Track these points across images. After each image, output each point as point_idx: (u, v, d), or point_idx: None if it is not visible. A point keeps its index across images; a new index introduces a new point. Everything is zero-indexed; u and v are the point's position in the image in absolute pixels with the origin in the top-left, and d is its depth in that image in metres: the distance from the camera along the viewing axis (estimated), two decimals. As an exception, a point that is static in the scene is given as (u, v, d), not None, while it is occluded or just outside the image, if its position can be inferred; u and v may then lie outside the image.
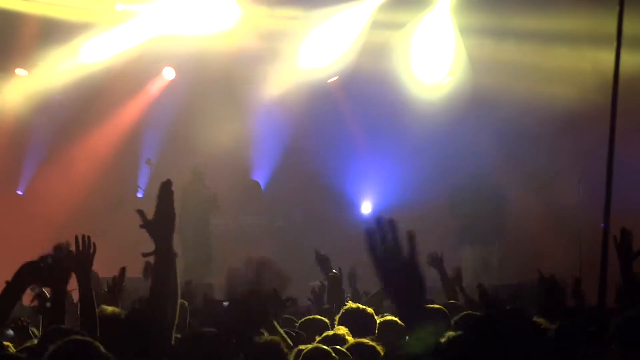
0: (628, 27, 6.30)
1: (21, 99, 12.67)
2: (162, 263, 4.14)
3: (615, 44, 6.34)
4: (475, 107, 13.36)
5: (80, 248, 4.70)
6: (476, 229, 12.63)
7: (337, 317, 5.66)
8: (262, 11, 13.21)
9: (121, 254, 7.94)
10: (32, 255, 4.68)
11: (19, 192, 12.90)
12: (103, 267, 6.03)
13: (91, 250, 4.76)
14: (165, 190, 4.02)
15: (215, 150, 13.02)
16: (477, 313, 4.67)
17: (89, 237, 4.70)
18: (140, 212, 3.98)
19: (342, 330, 5.28)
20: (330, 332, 5.30)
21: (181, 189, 11.66)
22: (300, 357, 4.49)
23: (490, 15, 12.88)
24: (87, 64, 12.84)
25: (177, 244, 11.04)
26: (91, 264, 4.79)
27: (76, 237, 4.76)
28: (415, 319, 2.68)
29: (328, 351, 4.52)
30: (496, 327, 2.91)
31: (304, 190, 13.59)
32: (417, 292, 2.79)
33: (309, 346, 4.74)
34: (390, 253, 2.92)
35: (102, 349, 3.59)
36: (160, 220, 4.00)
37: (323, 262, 7.40)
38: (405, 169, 13.28)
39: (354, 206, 13.86)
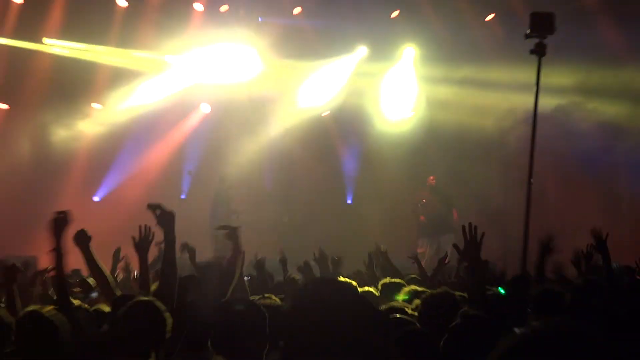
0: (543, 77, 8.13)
1: (96, 126, 15.80)
2: (170, 248, 4.89)
3: (534, 89, 8.23)
4: (430, 136, 16.32)
5: (142, 236, 5.51)
6: (433, 225, 15.50)
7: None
8: (276, 63, 16.19)
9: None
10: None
11: (95, 199, 15.74)
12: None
13: (150, 238, 5.53)
14: (164, 215, 4.81)
15: (237, 164, 15.85)
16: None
17: (149, 227, 5.41)
18: (151, 207, 4.81)
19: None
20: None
21: (213, 191, 15.35)
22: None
23: (440, 67, 16.02)
24: (146, 99, 15.89)
25: (208, 232, 14.28)
26: (148, 248, 5.60)
27: (139, 227, 5.52)
28: None
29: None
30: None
31: (302, 193, 16.47)
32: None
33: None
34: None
35: (162, 307, 4.29)
36: (164, 217, 4.81)
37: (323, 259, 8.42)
38: (377, 177, 16.24)
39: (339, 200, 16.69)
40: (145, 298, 4.47)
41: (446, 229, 15.41)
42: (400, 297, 5.93)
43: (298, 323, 2.54)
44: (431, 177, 15.91)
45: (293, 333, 2.56)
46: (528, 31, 8.30)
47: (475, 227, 5.34)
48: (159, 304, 4.28)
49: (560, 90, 14.89)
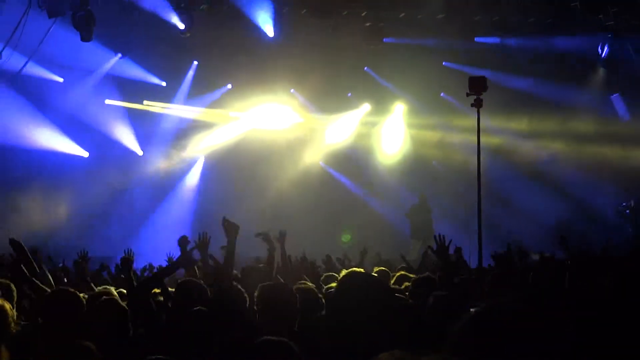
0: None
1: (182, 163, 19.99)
2: (230, 252, 5.51)
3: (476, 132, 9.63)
4: (414, 165, 19.88)
5: (200, 240, 6.10)
6: (420, 229, 17.90)
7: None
8: (307, 116, 20.00)
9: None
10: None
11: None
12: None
13: (206, 240, 6.09)
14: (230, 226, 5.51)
15: (276, 185, 19.31)
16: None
17: (205, 233, 6.08)
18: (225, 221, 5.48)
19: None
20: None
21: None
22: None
23: (421, 117, 19.74)
24: (217, 142, 19.74)
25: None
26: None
27: (199, 234, 6.09)
28: None
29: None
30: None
31: (326, 202, 19.27)
32: None
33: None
34: None
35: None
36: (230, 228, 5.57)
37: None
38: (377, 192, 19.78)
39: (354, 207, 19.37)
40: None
41: (429, 232, 16.69)
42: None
43: (341, 304, 3.09)
44: (421, 194, 18.41)
45: (336, 312, 3.08)
46: (468, 91, 9.49)
47: (443, 237, 6.12)
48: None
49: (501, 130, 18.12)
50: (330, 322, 3.25)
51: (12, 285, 5.38)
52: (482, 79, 9.42)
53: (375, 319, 2.97)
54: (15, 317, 4.05)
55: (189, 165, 20.23)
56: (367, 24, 17.31)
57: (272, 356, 2.96)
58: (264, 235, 7.29)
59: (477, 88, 9.35)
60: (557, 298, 5.26)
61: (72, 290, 4.96)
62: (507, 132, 18.53)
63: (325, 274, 8.04)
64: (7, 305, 3.97)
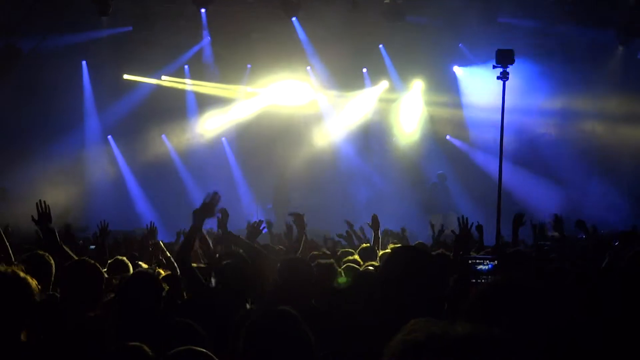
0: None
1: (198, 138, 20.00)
2: (192, 233, 5.56)
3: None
4: (431, 142, 19.97)
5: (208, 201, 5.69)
6: (436, 205, 18.32)
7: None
8: (325, 93, 19.80)
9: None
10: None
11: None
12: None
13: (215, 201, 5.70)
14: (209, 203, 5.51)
15: (293, 161, 19.47)
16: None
17: (215, 192, 5.71)
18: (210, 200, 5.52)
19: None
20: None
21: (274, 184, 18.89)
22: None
23: (438, 95, 19.66)
24: (234, 117, 19.90)
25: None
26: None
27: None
28: None
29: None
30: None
31: (344, 181, 19.47)
32: None
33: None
34: None
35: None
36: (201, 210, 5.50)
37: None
38: (395, 174, 19.62)
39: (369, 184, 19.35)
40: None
41: (449, 208, 17.83)
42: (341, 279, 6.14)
43: (390, 276, 3.19)
44: (440, 174, 18.69)
45: (385, 286, 3.16)
46: (494, 63, 9.56)
47: (467, 219, 6.19)
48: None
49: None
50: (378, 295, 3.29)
51: (48, 257, 5.38)
52: (510, 52, 9.48)
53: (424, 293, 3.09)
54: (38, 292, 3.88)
55: (208, 141, 20.35)
56: (387, 1, 17.28)
57: None
58: (296, 216, 7.47)
59: (504, 61, 9.46)
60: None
61: (93, 261, 4.96)
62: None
63: (341, 249, 8.26)
64: (33, 281, 3.83)
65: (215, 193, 5.59)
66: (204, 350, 3.06)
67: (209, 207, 5.52)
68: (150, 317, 4.21)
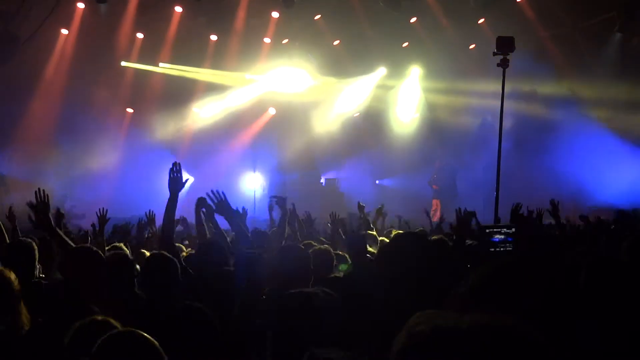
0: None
1: (195, 124, 19.88)
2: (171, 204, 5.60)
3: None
4: (430, 130, 19.80)
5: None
6: (442, 191, 18.52)
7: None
8: (321, 79, 19.79)
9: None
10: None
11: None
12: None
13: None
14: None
15: (290, 148, 19.57)
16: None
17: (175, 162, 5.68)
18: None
19: None
20: None
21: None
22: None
23: (437, 82, 19.29)
24: (233, 103, 19.66)
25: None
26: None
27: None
28: None
29: None
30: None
31: (340, 170, 19.82)
32: None
33: None
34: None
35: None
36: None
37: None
38: (395, 161, 19.64)
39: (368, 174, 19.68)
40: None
41: (452, 194, 18.01)
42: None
43: (389, 260, 3.11)
44: (437, 162, 18.91)
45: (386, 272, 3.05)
46: (495, 50, 9.27)
47: (464, 210, 6.29)
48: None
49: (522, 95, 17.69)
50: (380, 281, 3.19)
51: (31, 243, 5.45)
52: (510, 39, 9.24)
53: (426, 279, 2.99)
54: (19, 285, 4.04)
55: (206, 126, 20.15)
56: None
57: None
58: (279, 199, 7.55)
59: (504, 48, 9.20)
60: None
61: (94, 248, 4.96)
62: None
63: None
64: (10, 275, 3.98)
65: (175, 163, 5.62)
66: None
67: (175, 180, 5.58)
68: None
